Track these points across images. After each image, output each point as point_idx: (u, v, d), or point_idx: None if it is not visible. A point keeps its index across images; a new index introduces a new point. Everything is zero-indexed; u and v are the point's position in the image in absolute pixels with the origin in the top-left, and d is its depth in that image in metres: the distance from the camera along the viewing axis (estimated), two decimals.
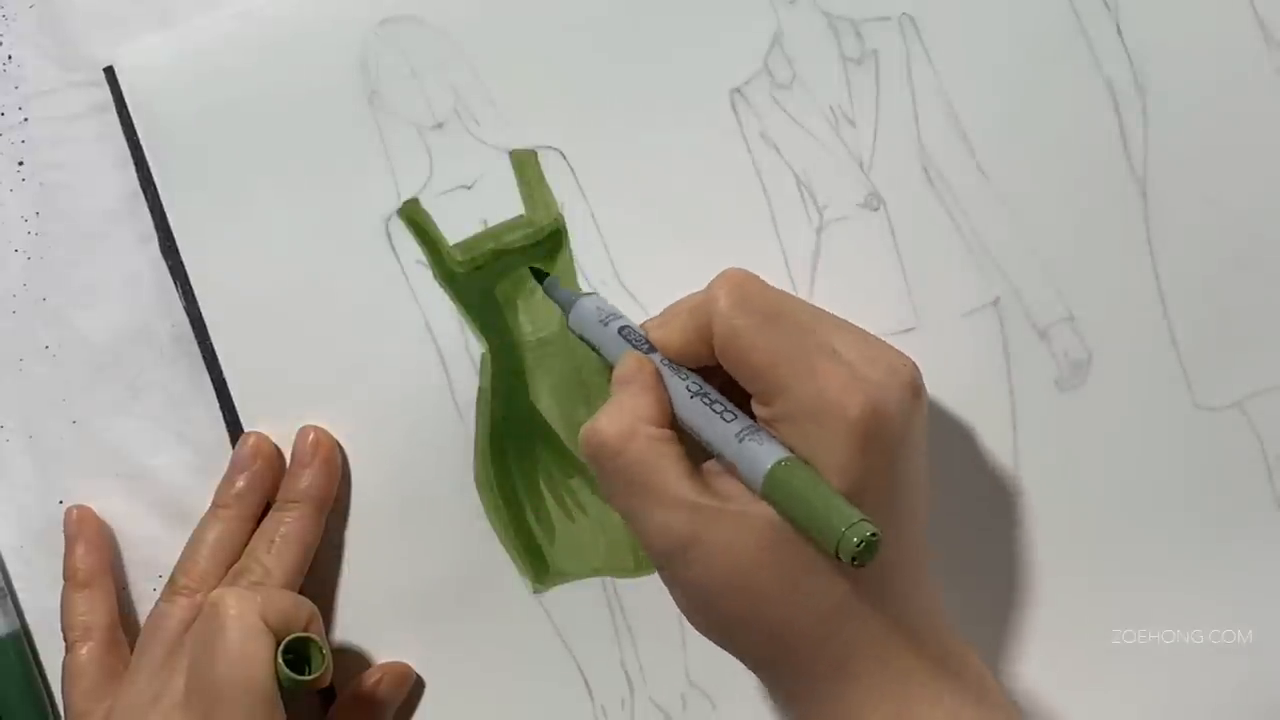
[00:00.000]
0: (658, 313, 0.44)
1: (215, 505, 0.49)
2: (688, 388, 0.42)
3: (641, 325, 0.44)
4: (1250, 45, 0.47)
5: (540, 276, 0.48)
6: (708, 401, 0.41)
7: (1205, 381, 0.47)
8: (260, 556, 0.48)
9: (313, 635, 0.45)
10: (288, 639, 0.44)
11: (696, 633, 0.48)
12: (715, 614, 0.41)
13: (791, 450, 0.39)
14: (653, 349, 0.43)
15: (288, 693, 0.44)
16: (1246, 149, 0.47)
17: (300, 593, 0.48)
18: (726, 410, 0.40)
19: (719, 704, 0.49)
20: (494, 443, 0.49)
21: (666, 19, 0.49)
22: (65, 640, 0.49)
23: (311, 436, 0.49)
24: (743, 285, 0.41)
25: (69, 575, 0.50)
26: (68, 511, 0.51)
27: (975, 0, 0.48)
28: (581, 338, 0.47)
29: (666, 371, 0.42)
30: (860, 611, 0.39)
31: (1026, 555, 0.47)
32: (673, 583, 0.42)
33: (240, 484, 0.49)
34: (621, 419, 0.41)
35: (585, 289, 0.49)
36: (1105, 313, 0.47)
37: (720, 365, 0.41)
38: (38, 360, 0.52)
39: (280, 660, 0.44)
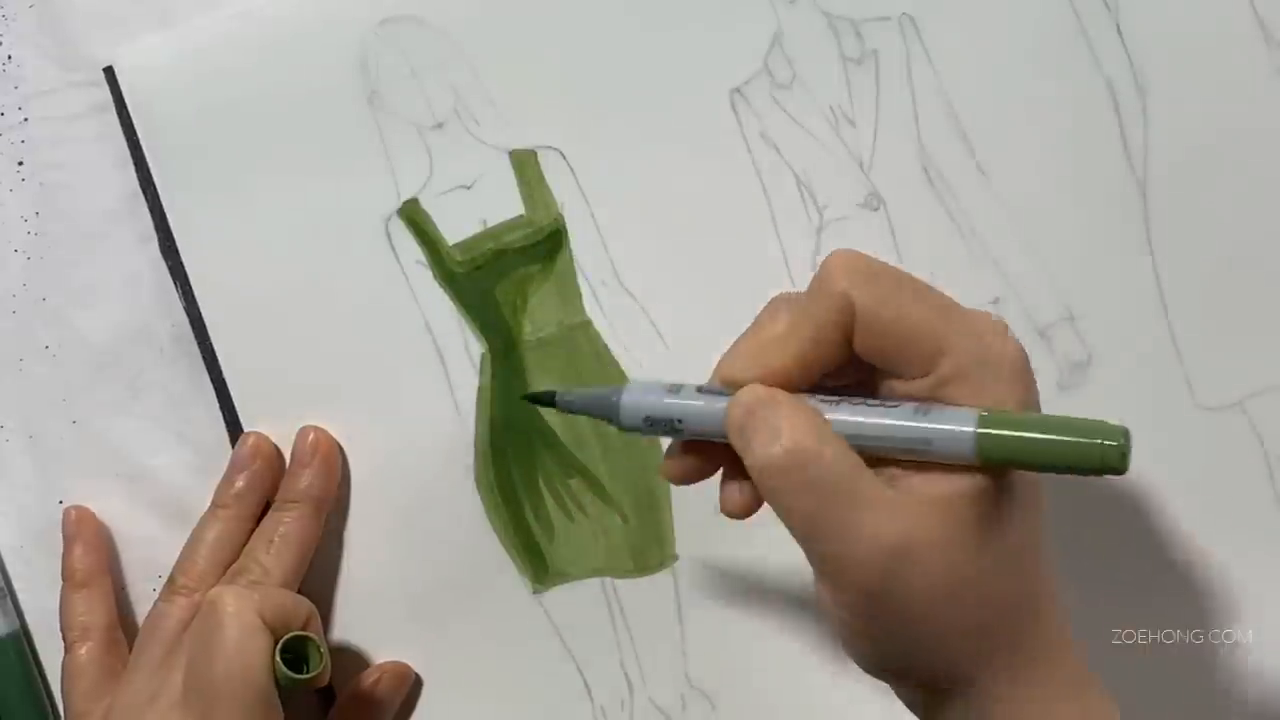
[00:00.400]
0: (663, 318, 0.42)
1: (214, 505, 0.49)
2: (821, 400, 0.36)
3: (720, 373, 0.38)
4: (1250, 45, 0.47)
5: (545, 400, 0.42)
6: (854, 402, 0.36)
7: (1205, 381, 0.47)
8: (259, 556, 0.48)
9: (311, 634, 0.45)
10: (286, 637, 0.44)
11: (696, 633, 0.48)
12: (920, 631, 0.36)
13: None
14: (726, 392, 0.37)
15: (285, 691, 0.44)
16: (1246, 149, 0.47)
17: (299, 592, 0.48)
18: (881, 402, 0.36)
19: (719, 704, 0.49)
20: (494, 443, 0.49)
21: (666, 19, 0.49)
22: (64, 641, 0.49)
23: (311, 437, 0.49)
24: (863, 261, 0.36)
25: (67, 576, 0.50)
26: (65, 512, 0.51)
27: (975, 0, 0.48)
28: (650, 429, 0.39)
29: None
30: (1047, 590, 0.37)
31: None
32: (875, 610, 0.36)
33: (240, 484, 0.49)
34: (798, 426, 0.35)
35: (585, 289, 0.49)
36: (1105, 313, 0.47)
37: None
38: (38, 360, 0.52)
39: (278, 658, 0.44)
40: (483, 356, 0.49)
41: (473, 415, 0.49)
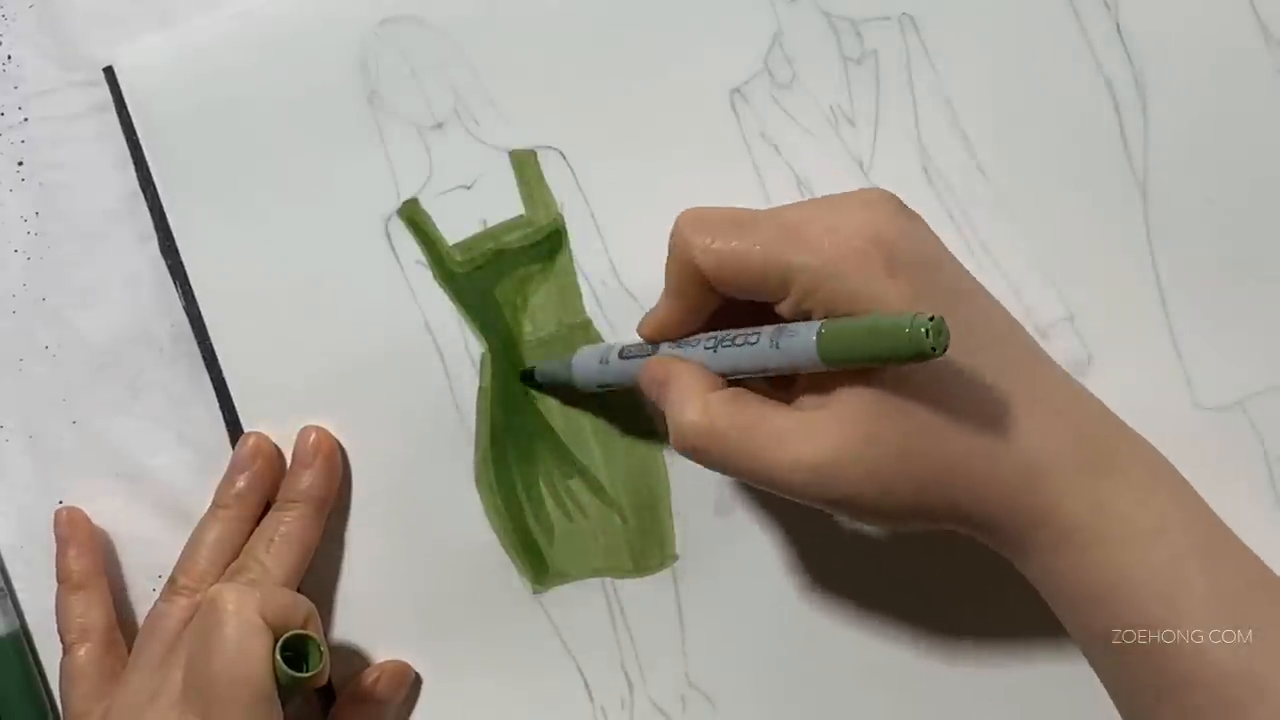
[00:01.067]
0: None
1: (215, 505, 0.49)
2: (705, 347, 0.41)
3: (637, 330, 0.44)
4: (1250, 45, 0.47)
5: (528, 377, 0.49)
6: (729, 342, 0.40)
7: (1205, 381, 0.47)
8: (259, 555, 0.48)
9: (310, 633, 0.45)
10: (285, 636, 0.44)
11: (696, 633, 0.48)
12: (891, 497, 0.39)
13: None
14: (657, 346, 0.43)
15: (285, 690, 0.44)
16: (1246, 149, 0.47)
17: (299, 592, 0.48)
18: (749, 334, 0.40)
19: (719, 704, 0.49)
20: (494, 443, 0.49)
21: (666, 19, 0.49)
22: (62, 642, 0.49)
23: (313, 437, 0.49)
24: (701, 213, 0.41)
25: (63, 578, 0.50)
26: (57, 514, 0.51)
27: (975, 0, 0.48)
28: (602, 389, 0.46)
29: (681, 350, 0.42)
30: (1015, 425, 0.38)
31: None
32: (841, 501, 0.39)
33: (240, 484, 0.49)
34: (689, 405, 0.40)
35: (585, 289, 0.49)
36: (1105, 313, 0.47)
37: (730, 309, 0.41)
38: (38, 360, 0.52)
39: (278, 657, 0.44)
40: (483, 356, 0.49)
41: (473, 415, 0.49)
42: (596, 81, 0.49)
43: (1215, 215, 0.47)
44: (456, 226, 0.50)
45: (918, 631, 0.47)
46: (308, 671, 0.44)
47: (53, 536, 0.51)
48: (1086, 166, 0.47)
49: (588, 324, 0.49)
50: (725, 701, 0.49)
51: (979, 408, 0.38)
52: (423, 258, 0.50)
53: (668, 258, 0.41)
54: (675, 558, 0.49)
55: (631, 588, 0.49)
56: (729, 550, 0.48)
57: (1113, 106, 0.47)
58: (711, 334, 0.42)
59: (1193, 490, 0.40)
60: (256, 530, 0.49)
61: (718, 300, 0.41)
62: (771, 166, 0.49)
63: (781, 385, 0.41)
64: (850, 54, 0.48)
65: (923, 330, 0.35)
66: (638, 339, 0.44)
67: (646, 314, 0.44)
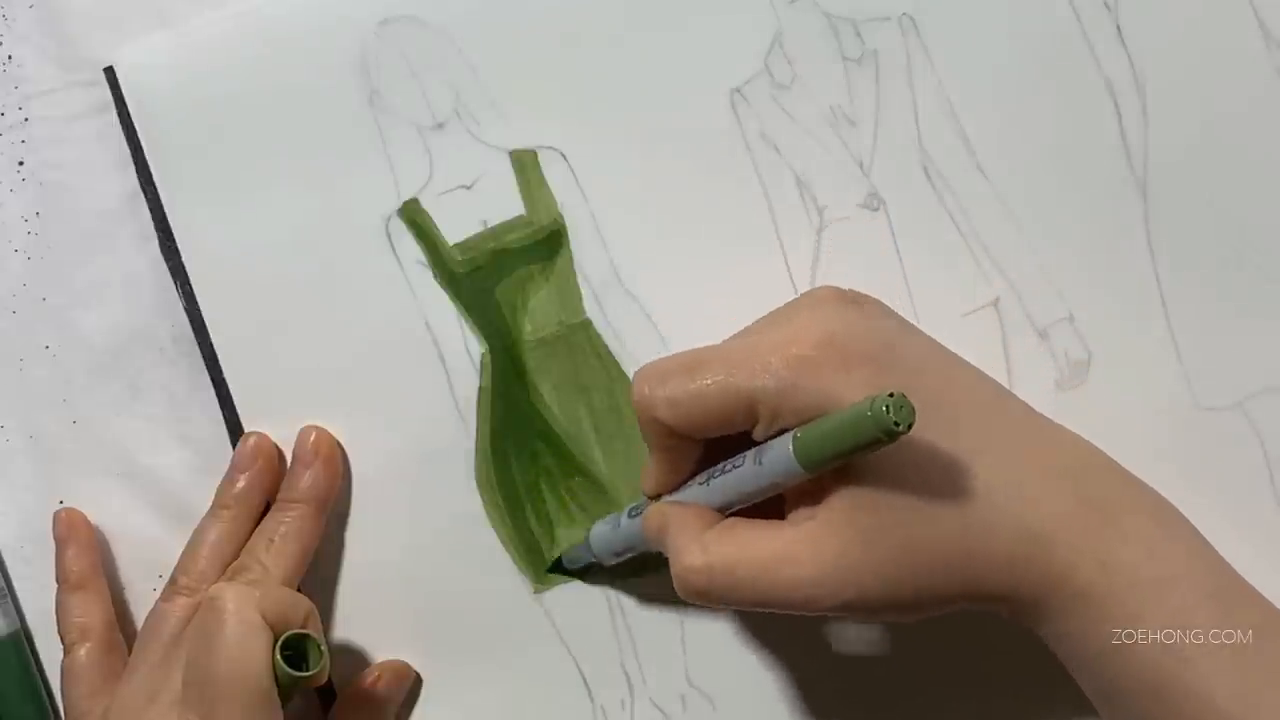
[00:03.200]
0: (663, 318, 0.45)
1: (216, 505, 0.49)
2: (698, 484, 0.42)
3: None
4: (1250, 45, 0.47)
5: (555, 568, 0.49)
6: (718, 474, 0.41)
7: (1205, 381, 0.47)
8: (259, 555, 0.48)
9: (310, 632, 0.45)
10: (285, 635, 0.44)
11: (696, 633, 0.48)
12: (899, 591, 0.39)
13: None
14: (658, 498, 0.43)
15: (285, 690, 0.44)
16: (1246, 149, 0.47)
17: (299, 591, 0.48)
18: (734, 461, 0.40)
19: (719, 704, 0.49)
20: (494, 443, 0.49)
21: (666, 19, 0.49)
22: (63, 642, 0.49)
23: (313, 437, 0.49)
24: (652, 368, 0.41)
25: (62, 578, 0.50)
26: (56, 515, 0.51)
27: (975, 0, 0.48)
28: (622, 558, 0.46)
29: (679, 495, 0.43)
30: (1008, 493, 0.38)
31: None
32: (852, 606, 0.39)
33: (241, 484, 0.49)
34: (686, 549, 0.40)
35: (585, 289, 0.49)
36: (1105, 313, 0.47)
37: (721, 442, 0.41)
38: (38, 360, 0.52)
39: (278, 656, 0.44)
40: (483, 356, 0.49)
41: (473, 415, 0.49)
42: (597, 81, 0.49)
43: (1215, 215, 0.47)
44: (457, 226, 0.50)
45: (918, 631, 0.47)
46: (308, 671, 0.44)
47: (54, 537, 0.51)
48: (1086, 166, 0.47)
49: (588, 324, 0.49)
50: (725, 701, 0.49)
51: (967, 482, 0.38)
52: (423, 258, 0.50)
53: (637, 419, 0.41)
54: None
55: (631, 588, 0.49)
56: None
57: (1113, 106, 0.47)
58: (704, 472, 0.42)
59: (1198, 534, 0.40)
60: (257, 530, 0.49)
61: (700, 444, 0.42)
62: (771, 166, 0.49)
63: (774, 502, 0.41)
64: (850, 54, 0.48)
65: (883, 408, 0.35)
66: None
67: (644, 473, 0.44)
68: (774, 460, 0.38)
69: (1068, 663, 0.40)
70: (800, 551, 0.38)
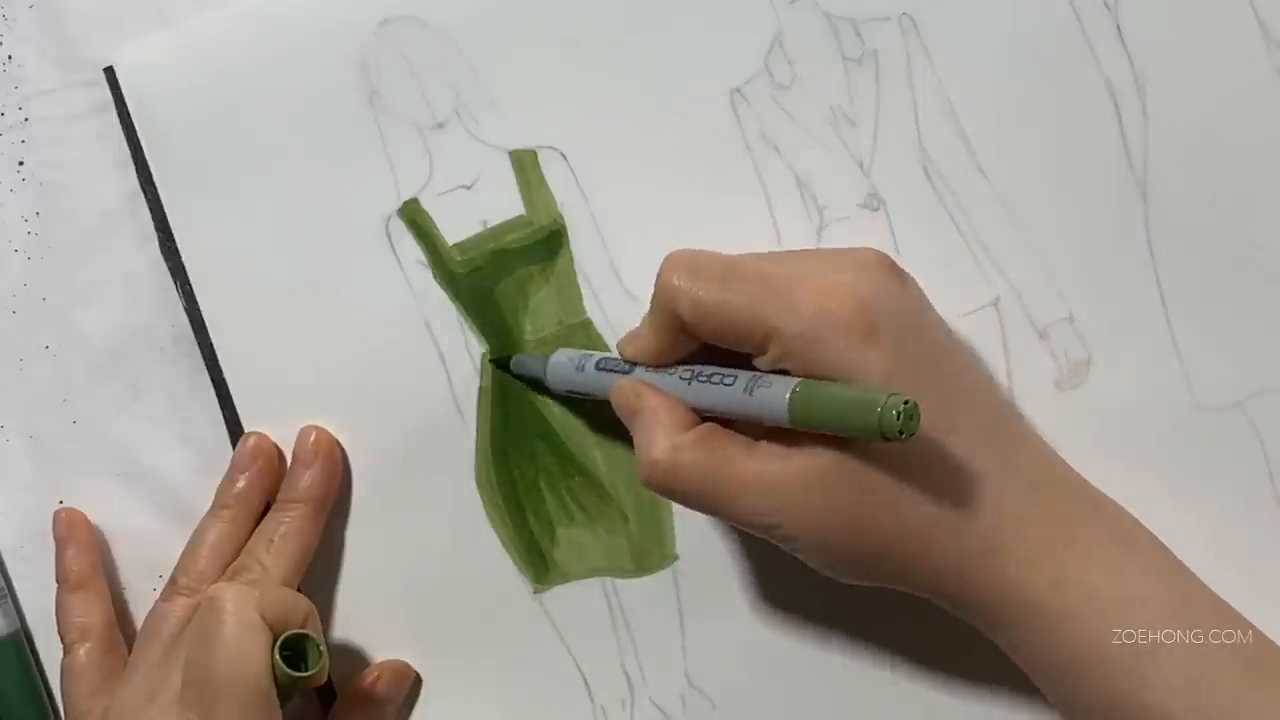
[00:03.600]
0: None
1: (216, 505, 0.49)
2: (680, 378, 0.42)
3: (617, 346, 0.45)
4: (1250, 45, 0.47)
5: (503, 364, 0.49)
6: (705, 379, 0.41)
7: (1205, 381, 0.47)
8: (259, 555, 0.48)
9: (310, 632, 0.45)
10: (284, 635, 0.44)
11: (696, 633, 0.48)
12: (844, 558, 0.40)
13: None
14: (634, 365, 0.44)
15: (285, 690, 0.44)
16: (1246, 149, 0.47)
17: (298, 591, 0.48)
18: (725, 376, 0.40)
19: (719, 704, 0.49)
20: (494, 443, 0.49)
21: (667, 19, 0.49)
22: (63, 642, 0.49)
23: (313, 436, 0.49)
24: (689, 259, 0.41)
25: (62, 578, 0.50)
26: (56, 515, 0.51)
27: (975, 0, 0.48)
28: (571, 395, 0.47)
29: (656, 377, 0.43)
30: (982, 500, 0.39)
31: None
32: (797, 550, 0.41)
33: (241, 484, 0.49)
34: (656, 443, 0.41)
35: (585, 289, 0.49)
36: (1105, 313, 0.47)
37: (713, 347, 0.41)
38: (38, 360, 0.52)
39: (277, 656, 0.44)
40: (483, 356, 0.49)
41: (473, 415, 0.49)
42: (597, 81, 0.49)
43: (1215, 216, 0.47)
44: (457, 226, 0.50)
45: (918, 632, 0.47)
46: (307, 671, 0.44)
47: (54, 537, 0.51)
48: (1086, 166, 0.47)
49: (588, 324, 0.49)
50: (725, 701, 0.49)
51: (947, 482, 0.39)
52: (423, 258, 0.50)
53: (653, 294, 0.42)
54: (675, 557, 0.49)
55: (631, 588, 0.49)
56: (729, 550, 0.48)
57: (1113, 106, 0.47)
58: (689, 367, 0.42)
59: (1170, 557, 0.41)
60: (257, 530, 0.49)
61: (698, 341, 0.42)
62: (771, 167, 0.49)
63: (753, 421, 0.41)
64: (850, 54, 0.48)
65: (894, 413, 0.35)
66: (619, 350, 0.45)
67: (628, 334, 0.44)
68: (765, 399, 0.39)
69: (1025, 670, 0.41)
70: (768, 491, 0.39)
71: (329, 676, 0.47)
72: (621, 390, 0.43)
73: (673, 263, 0.41)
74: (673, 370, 0.43)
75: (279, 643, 0.44)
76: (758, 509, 0.39)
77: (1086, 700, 0.39)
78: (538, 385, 0.49)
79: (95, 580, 0.50)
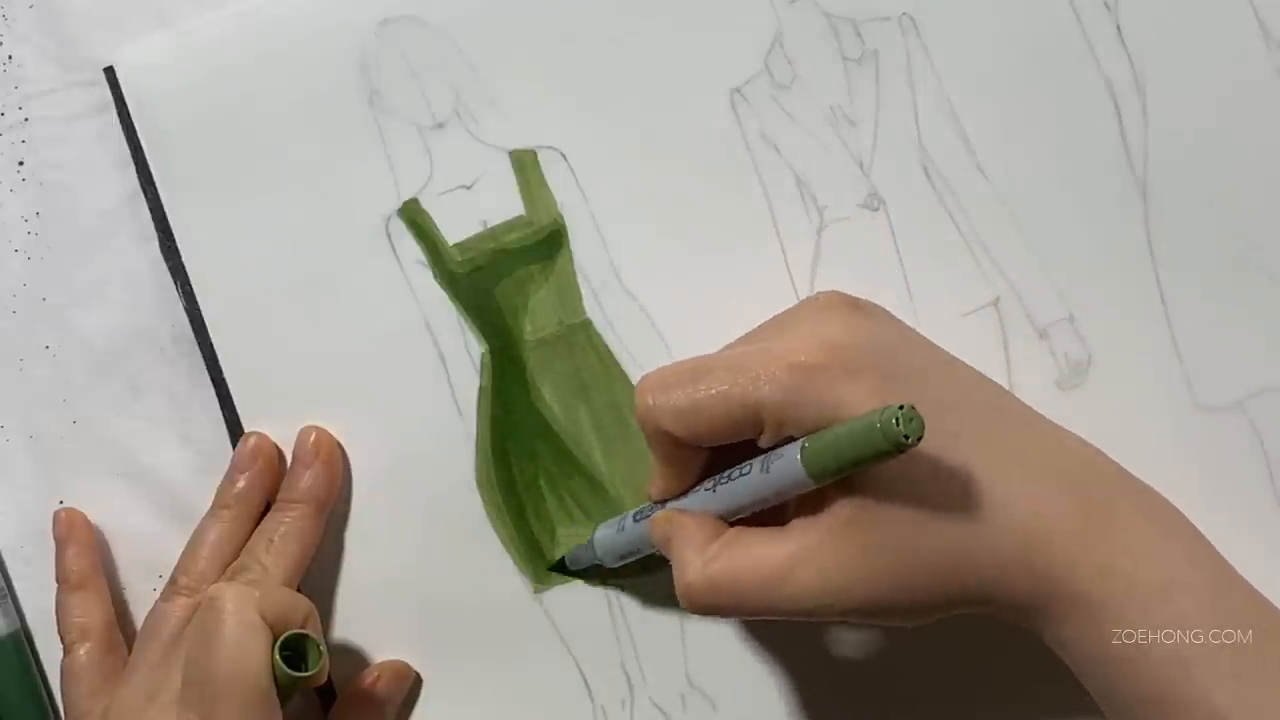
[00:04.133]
0: (663, 318, 0.45)
1: (216, 505, 0.49)
2: (705, 489, 0.42)
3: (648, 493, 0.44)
4: (1250, 45, 0.47)
5: (559, 568, 0.49)
6: (725, 480, 0.41)
7: (1205, 381, 0.47)
8: (259, 555, 0.48)
9: (309, 632, 0.45)
10: (284, 635, 0.44)
11: (696, 633, 0.48)
12: (900, 600, 0.39)
13: None
14: (663, 503, 0.43)
15: (284, 690, 0.44)
16: (1246, 149, 0.47)
17: (299, 592, 0.48)
18: (741, 468, 0.40)
19: (719, 705, 0.49)
20: (494, 443, 0.49)
21: (666, 19, 0.49)
22: (63, 642, 0.49)
23: (313, 437, 0.49)
24: (656, 378, 0.41)
25: (62, 578, 0.50)
26: (56, 515, 0.51)
27: (975, 0, 0.48)
28: (625, 561, 0.46)
29: (686, 500, 0.42)
30: (1010, 500, 0.38)
31: None
32: (858, 615, 0.40)
33: (241, 484, 0.49)
34: (689, 564, 0.40)
35: (585, 289, 0.49)
36: (1105, 313, 0.47)
37: (729, 453, 0.41)
38: (38, 360, 0.52)
39: (277, 657, 0.44)
40: (483, 356, 0.49)
41: (473, 415, 0.49)
42: (597, 81, 0.49)
43: (1215, 215, 0.47)
44: (457, 226, 0.50)
45: (917, 633, 0.47)
46: (307, 671, 0.44)
47: (54, 537, 0.51)
48: (1086, 166, 0.47)
49: (587, 324, 0.49)
50: (725, 701, 0.49)
51: (968, 490, 0.38)
52: (423, 258, 0.50)
53: (642, 430, 0.41)
54: None
55: (631, 588, 0.49)
56: None
57: (1113, 106, 0.47)
58: (710, 479, 0.42)
59: (1199, 536, 0.40)
60: (257, 530, 0.49)
61: (705, 451, 0.41)
62: (771, 167, 0.49)
63: (777, 509, 0.41)
64: (850, 54, 0.48)
65: (893, 420, 0.34)
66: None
67: (651, 480, 0.43)
68: (781, 470, 0.38)
69: (1072, 667, 0.40)
70: (804, 564, 0.38)
71: (329, 676, 0.47)
72: (655, 524, 0.42)
73: (642, 388, 0.41)
74: (695, 489, 0.42)
75: (279, 643, 0.44)
76: (803, 588, 0.38)
77: (1130, 690, 0.38)
78: (599, 570, 0.48)
79: (95, 580, 0.50)
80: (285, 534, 0.48)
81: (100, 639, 0.49)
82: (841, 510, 0.38)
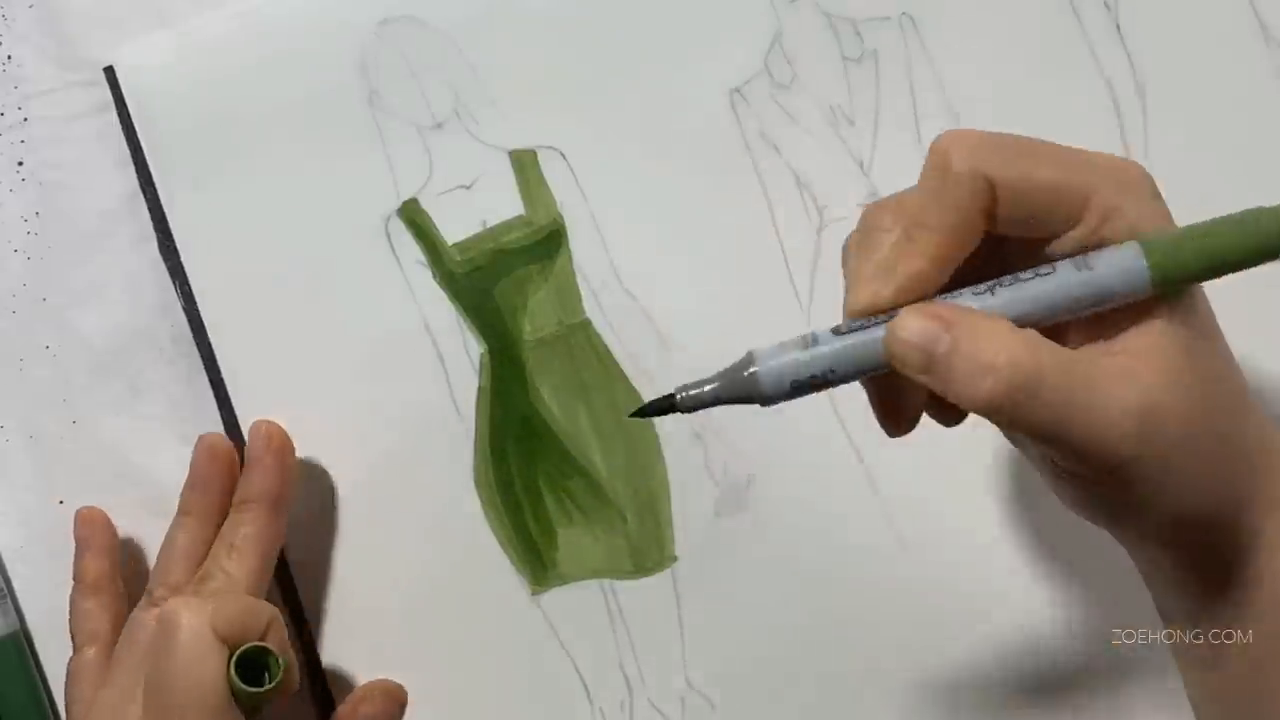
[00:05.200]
0: (663, 318, 0.43)
1: (179, 512, 0.49)
2: (974, 293, 0.34)
3: (850, 307, 0.35)
4: (1250, 45, 0.47)
5: (659, 408, 0.36)
6: (1008, 284, 0.34)
7: None
8: (222, 562, 0.47)
9: (269, 645, 0.44)
10: (242, 649, 0.43)
11: (696, 633, 0.48)
12: (1184, 478, 0.34)
13: None
14: (893, 312, 0.34)
15: (249, 704, 0.43)
16: (1246, 149, 0.47)
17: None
18: (1037, 269, 0.34)
19: (718, 706, 0.49)
20: (494, 443, 0.49)
21: (667, 19, 0.49)
22: (73, 642, 0.49)
23: (264, 430, 0.49)
24: (975, 135, 0.34)
25: (79, 578, 0.49)
26: (78, 514, 0.50)
27: (975, 0, 0.48)
28: (796, 392, 0.35)
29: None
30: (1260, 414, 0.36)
31: (1027, 555, 0.47)
32: (1136, 473, 0.34)
33: (199, 488, 0.48)
34: (1004, 345, 0.33)
35: (585, 289, 0.49)
36: None
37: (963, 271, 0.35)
38: (38, 360, 0.52)
39: (233, 673, 0.42)
40: (482, 356, 0.49)
41: (473, 415, 0.49)
42: (596, 81, 0.49)
43: (1214, 216, 0.47)
44: (456, 226, 0.50)
45: (917, 632, 0.47)
46: (267, 684, 0.43)
47: (53, 537, 0.51)
48: None
49: (587, 324, 0.49)
50: (725, 702, 0.49)
51: (1228, 352, 0.36)
52: (423, 258, 0.50)
53: (935, 186, 0.34)
54: (674, 558, 0.49)
55: (631, 588, 0.49)
56: (729, 550, 0.48)
57: (1113, 106, 0.47)
58: (977, 285, 0.34)
59: None
60: (218, 537, 0.48)
61: (969, 250, 0.35)
62: (771, 166, 0.49)
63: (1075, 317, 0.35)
64: (850, 54, 0.48)
65: (1275, 222, 0.31)
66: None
67: (859, 286, 0.35)
68: (1110, 267, 0.33)
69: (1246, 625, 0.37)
70: (1128, 376, 0.33)
71: (325, 680, 0.47)
72: (903, 322, 0.34)
73: (963, 141, 0.34)
74: (956, 294, 0.34)
75: (235, 657, 0.43)
76: (1129, 402, 0.33)
77: None
78: (743, 400, 0.36)
79: (112, 585, 0.49)
80: (245, 536, 0.47)
81: (108, 642, 0.49)
82: (1158, 337, 0.34)
